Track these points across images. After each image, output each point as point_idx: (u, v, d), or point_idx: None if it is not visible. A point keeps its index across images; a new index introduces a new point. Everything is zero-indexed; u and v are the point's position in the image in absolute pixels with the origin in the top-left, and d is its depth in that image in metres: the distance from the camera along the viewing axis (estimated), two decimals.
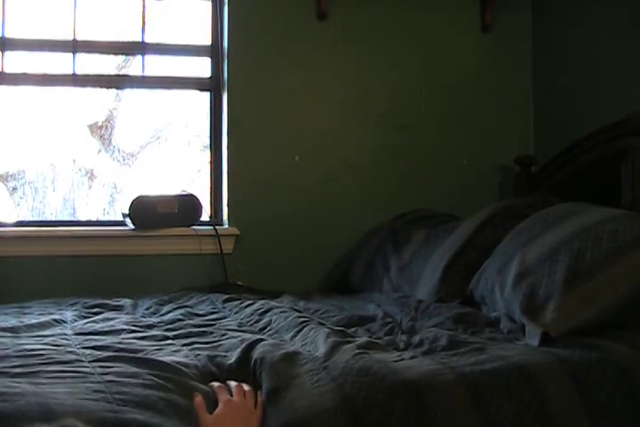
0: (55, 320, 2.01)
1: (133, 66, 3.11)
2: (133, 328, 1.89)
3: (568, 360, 1.50)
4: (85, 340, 1.72)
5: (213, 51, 3.04)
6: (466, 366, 1.45)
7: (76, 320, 2.06)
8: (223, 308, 2.28)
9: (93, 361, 1.49)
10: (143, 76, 3.04)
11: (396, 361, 1.49)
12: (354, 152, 3.07)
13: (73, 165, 3.12)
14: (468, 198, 3.03)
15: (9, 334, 1.79)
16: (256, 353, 1.55)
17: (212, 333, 1.86)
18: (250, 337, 1.71)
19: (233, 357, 1.57)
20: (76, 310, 2.24)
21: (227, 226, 2.95)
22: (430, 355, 1.55)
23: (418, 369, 1.43)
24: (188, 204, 2.87)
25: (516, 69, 3.23)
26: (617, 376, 1.49)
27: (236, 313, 2.16)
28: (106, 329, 1.88)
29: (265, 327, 1.93)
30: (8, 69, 2.88)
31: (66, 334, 1.80)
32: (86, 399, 1.23)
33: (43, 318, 2.02)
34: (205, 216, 2.97)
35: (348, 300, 2.50)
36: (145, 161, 3.22)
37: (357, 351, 1.54)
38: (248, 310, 2.15)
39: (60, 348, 1.60)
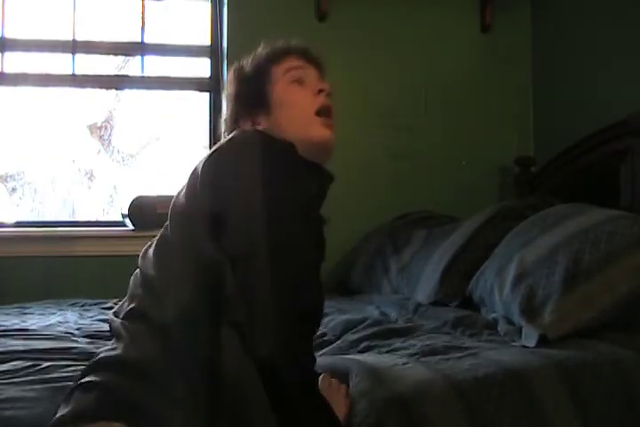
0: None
1: (133, 66, 3.11)
2: None
3: (563, 364, 1.49)
4: None
5: (213, 51, 3.03)
6: (459, 373, 1.43)
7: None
8: None
9: None
10: (142, 77, 3.03)
11: (392, 366, 1.47)
12: (354, 152, 3.05)
13: (72, 165, 3.12)
14: (468, 199, 3.02)
15: None
16: None
17: None
18: None
19: None
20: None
21: None
22: (425, 360, 1.53)
23: (410, 379, 1.40)
24: None
25: (516, 69, 3.22)
26: (612, 379, 1.48)
27: None
28: None
29: None
30: (8, 70, 2.88)
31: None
32: None
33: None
34: None
35: (348, 301, 2.49)
36: (144, 161, 3.22)
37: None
38: None
39: None
